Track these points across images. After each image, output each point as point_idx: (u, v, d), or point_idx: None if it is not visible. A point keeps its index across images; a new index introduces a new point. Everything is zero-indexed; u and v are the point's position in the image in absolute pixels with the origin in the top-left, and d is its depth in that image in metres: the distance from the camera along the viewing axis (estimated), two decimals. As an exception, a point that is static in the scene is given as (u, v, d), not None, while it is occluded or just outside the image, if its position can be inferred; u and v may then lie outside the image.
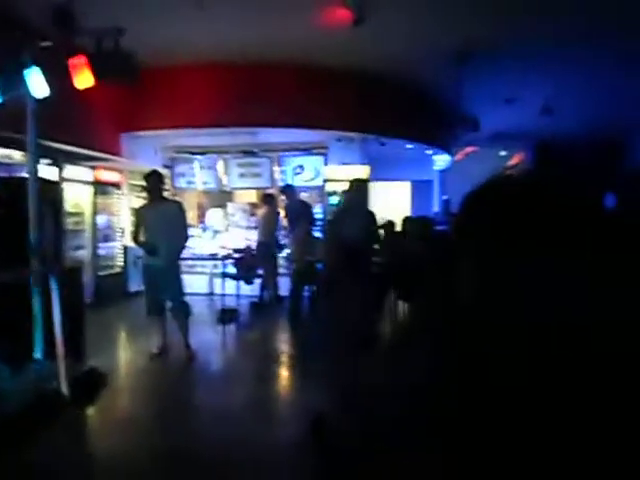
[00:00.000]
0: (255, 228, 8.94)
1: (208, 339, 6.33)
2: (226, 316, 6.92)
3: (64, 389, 3.75)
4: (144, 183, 5.72)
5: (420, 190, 13.00)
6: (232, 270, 7.67)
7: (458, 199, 0.81)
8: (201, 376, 5.26)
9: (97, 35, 4.60)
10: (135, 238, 5.50)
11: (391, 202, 11.65)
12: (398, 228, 7.11)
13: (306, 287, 7.03)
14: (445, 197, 12.09)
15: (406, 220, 6.91)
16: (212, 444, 3.46)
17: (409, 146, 9.76)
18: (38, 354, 4.04)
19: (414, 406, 0.79)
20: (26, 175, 4.48)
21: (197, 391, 4.86)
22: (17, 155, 7.41)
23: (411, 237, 5.98)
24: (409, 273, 4.98)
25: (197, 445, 3.44)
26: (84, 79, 4.15)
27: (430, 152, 10.78)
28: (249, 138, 8.95)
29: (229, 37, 6.78)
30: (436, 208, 12.43)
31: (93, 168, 8.58)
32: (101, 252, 8.69)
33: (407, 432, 0.78)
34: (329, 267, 5.89)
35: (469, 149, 11.76)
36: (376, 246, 6.08)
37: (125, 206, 9.41)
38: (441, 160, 11.48)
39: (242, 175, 9.85)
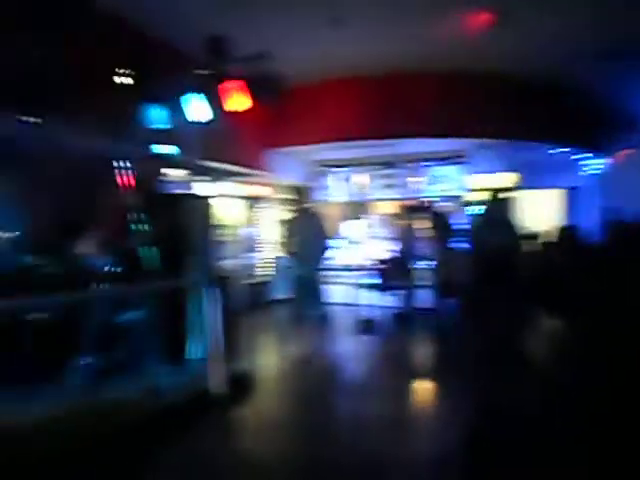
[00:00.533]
0: (394, 239, 8.91)
1: (349, 349, 6.41)
2: (366, 326, 6.97)
3: (216, 389, 4.02)
4: (291, 196, 6.00)
5: (573, 197, 11.99)
6: (374, 281, 7.73)
7: (618, 206, 0.72)
8: (342, 384, 5.34)
9: (249, 60, 4.97)
10: (286, 248, 5.77)
11: (542, 210, 10.89)
12: (547, 238, 6.64)
13: (450, 300, 6.84)
14: (606, 205, 11.03)
15: (561, 230, 6.44)
16: (352, 454, 3.48)
17: (557, 151, 9.10)
18: (192, 355, 4.40)
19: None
20: (184, 191, 4.94)
21: (338, 399, 4.93)
22: (176, 173, 8.21)
23: (564, 248, 5.55)
24: (560, 286, 4.62)
25: (338, 454, 3.48)
26: (237, 102, 4.49)
27: (581, 156, 9.94)
28: (388, 149, 8.99)
29: (369, 50, 6.89)
30: (592, 216, 11.38)
31: (241, 183, 9.20)
32: (248, 262, 9.26)
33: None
34: (473, 280, 5.67)
35: (627, 151, 10.63)
36: (521, 257, 5.74)
37: (271, 218, 9.94)
38: (595, 165, 10.51)
39: (380, 186, 9.91)
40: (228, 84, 4.50)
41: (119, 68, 5.25)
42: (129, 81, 5.28)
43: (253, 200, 9.60)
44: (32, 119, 5.44)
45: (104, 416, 3.52)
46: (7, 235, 3.27)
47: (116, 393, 3.89)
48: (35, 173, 5.51)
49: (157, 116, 4.72)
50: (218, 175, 8.17)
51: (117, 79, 5.04)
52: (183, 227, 4.41)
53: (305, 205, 5.83)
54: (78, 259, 4.09)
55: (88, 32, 5.68)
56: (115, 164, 4.04)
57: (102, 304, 4.13)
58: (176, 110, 4.83)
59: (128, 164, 4.08)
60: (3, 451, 2.85)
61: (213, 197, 7.63)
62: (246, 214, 9.40)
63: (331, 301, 7.45)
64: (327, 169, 10.26)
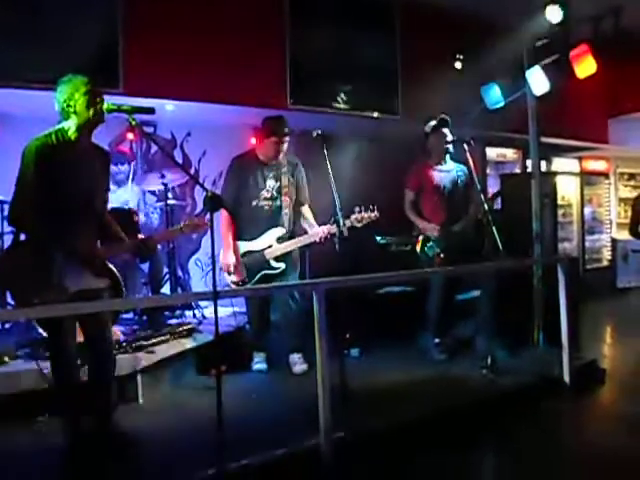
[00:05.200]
0: None
1: None
2: None
3: (566, 378, 3.81)
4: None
5: None
6: None
7: None
8: None
9: (595, 20, 4.48)
10: (633, 230, 5.11)
11: None
12: None
13: None
14: None
15: None
16: None
17: None
18: (538, 340, 4.26)
19: None
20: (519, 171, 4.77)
21: None
22: (509, 153, 8.04)
23: None
24: None
25: None
26: (585, 68, 4.11)
27: None
28: None
29: None
30: None
31: (578, 159, 8.44)
32: (587, 244, 8.43)
33: None
34: None
35: None
36: None
37: (613, 196, 8.85)
38: None
39: None
40: (577, 49, 4.14)
41: (454, 53, 5.40)
42: (463, 64, 5.38)
43: (592, 176, 8.69)
44: (375, 115, 6.12)
45: (453, 389, 3.71)
46: (364, 216, 3.71)
47: (459, 369, 4.06)
48: (381, 160, 6.17)
49: (494, 96, 4.68)
50: (554, 151, 7.68)
51: (455, 64, 5.20)
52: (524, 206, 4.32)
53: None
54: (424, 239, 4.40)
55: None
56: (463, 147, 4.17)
57: (444, 282, 4.34)
58: (512, 86, 4.71)
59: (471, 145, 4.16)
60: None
61: (551, 174, 7.23)
62: (586, 192, 8.56)
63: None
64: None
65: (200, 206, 6.21)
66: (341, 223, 3.61)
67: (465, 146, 4.22)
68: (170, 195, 5.05)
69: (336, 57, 5.76)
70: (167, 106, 5.04)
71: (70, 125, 2.58)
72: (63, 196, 2.53)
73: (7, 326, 4.10)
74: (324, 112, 5.73)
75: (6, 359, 3.41)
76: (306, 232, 4.04)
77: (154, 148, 5.97)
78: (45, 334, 3.41)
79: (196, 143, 6.04)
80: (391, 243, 5.48)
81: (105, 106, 2.56)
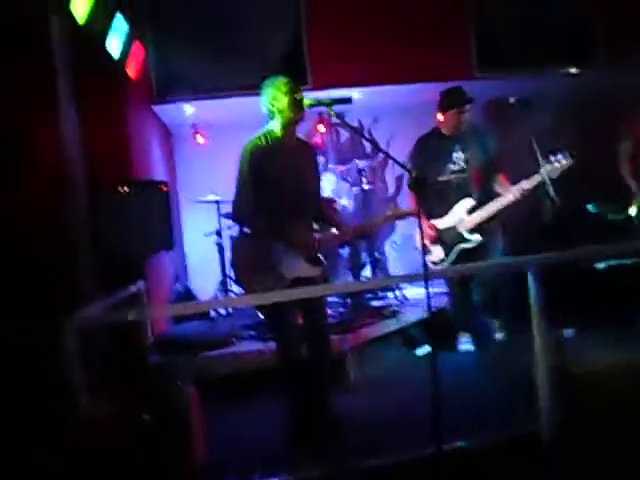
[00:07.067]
0: None
1: None
2: None
3: None
4: None
5: None
6: None
7: None
8: None
9: None
10: None
11: None
12: None
13: None
14: None
15: None
16: None
17: None
18: None
19: None
20: None
21: None
22: None
23: None
24: None
25: None
26: None
27: None
28: None
29: None
30: None
31: None
32: None
33: None
34: None
35: None
36: None
37: None
38: None
39: None
40: None
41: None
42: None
43: None
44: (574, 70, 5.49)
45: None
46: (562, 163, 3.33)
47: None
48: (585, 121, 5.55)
49: None
50: None
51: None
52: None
53: None
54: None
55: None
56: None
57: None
58: None
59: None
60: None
61: None
62: None
63: None
64: None
65: (390, 189, 6.28)
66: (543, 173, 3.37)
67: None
68: (364, 180, 5.20)
69: (521, 17, 5.31)
70: (353, 94, 5.15)
71: (276, 124, 2.79)
72: (277, 191, 2.75)
73: (231, 310, 4.61)
74: (514, 77, 5.33)
75: (233, 340, 3.84)
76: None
77: (343, 137, 6.17)
78: (264, 317, 3.79)
79: (383, 128, 6.08)
80: (606, 211, 4.91)
81: (305, 102, 2.70)
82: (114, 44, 3.62)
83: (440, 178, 3.83)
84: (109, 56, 3.58)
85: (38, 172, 3.09)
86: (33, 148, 3.16)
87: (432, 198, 3.84)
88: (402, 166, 2.47)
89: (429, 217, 3.88)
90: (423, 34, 5.00)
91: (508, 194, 3.64)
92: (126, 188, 3.59)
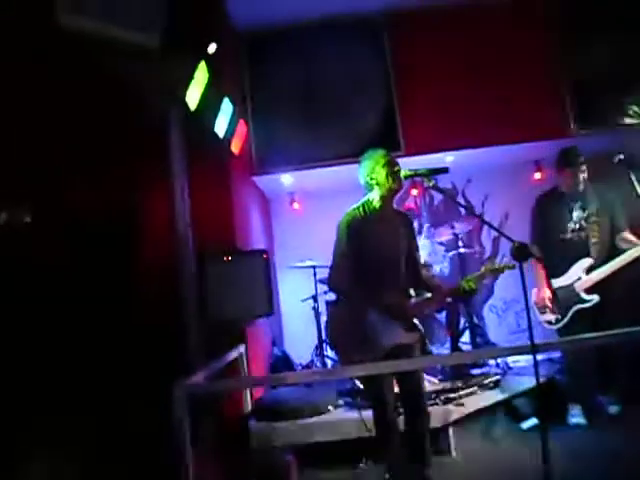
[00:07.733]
0: None
1: None
2: None
3: None
4: None
5: None
6: None
7: None
8: None
9: None
10: None
11: None
12: None
13: None
14: None
15: None
16: None
17: None
18: None
19: None
20: None
21: None
22: None
23: None
24: None
25: None
26: None
27: None
28: None
29: None
30: None
31: None
32: None
33: None
34: None
35: None
36: None
37: None
38: None
39: None
40: None
41: None
42: None
43: None
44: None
45: None
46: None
47: None
48: None
49: None
50: None
51: None
52: None
53: None
54: None
55: None
56: None
57: None
58: None
59: None
60: None
61: None
62: None
63: None
64: None
65: (488, 252, 6.11)
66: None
67: None
68: (460, 243, 5.12)
69: (614, 69, 5.15)
70: (447, 158, 5.19)
71: (374, 196, 2.86)
72: (373, 261, 2.78)
73: (328, 377, 4.58)
74: (613, 131, 5.12)
75: (330, 408, 3.81)
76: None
77: (437, 200, 6.14)
78: (361, 385, 3.75)
79: (477, 188, 6.03)
80: None
81: (403, 173, 2.76)
82: (221, 124, 3.92)
83: (561, 236, 3.83)
84: (216, 135, 3.89)
85: (152, 245, 3.36)
86: (149, 221, 3.47)
87: (553, 256, 3.83)
88: (502, 234, 2.42)
89: (550, 277, 3.83)
90: (517, 95, 4.98)
91: (632, 250, 3.58)
92: (229, 257, 3.79)
